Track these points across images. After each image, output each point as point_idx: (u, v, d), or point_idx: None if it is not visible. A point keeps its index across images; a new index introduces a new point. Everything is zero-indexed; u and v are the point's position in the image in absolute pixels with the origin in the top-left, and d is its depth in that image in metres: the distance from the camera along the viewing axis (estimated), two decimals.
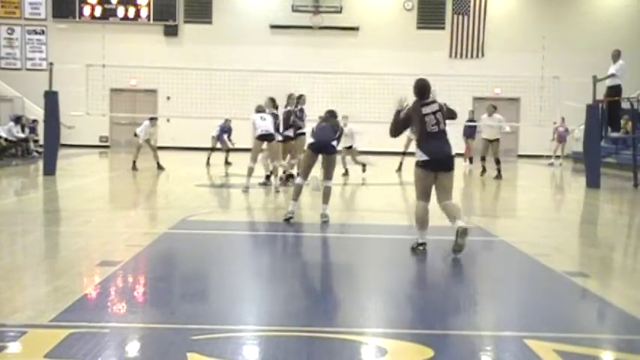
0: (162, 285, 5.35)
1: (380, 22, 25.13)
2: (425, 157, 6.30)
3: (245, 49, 23.93)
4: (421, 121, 6.36)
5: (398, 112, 6.62)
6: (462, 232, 6.09)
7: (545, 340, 3.91)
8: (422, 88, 6.47)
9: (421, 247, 6.45)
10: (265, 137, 11.55)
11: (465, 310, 4.85)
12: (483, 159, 16.27)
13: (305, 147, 9.03)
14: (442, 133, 6.38)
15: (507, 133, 18.42)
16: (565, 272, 5.81)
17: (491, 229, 8.28)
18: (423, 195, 6.40)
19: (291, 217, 8.28)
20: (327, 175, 8.49)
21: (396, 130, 6.66)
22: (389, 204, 11.51)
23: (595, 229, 9.29)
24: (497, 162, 15.58)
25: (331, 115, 8.77)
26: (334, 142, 8.33)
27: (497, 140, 15.98)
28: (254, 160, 11.64)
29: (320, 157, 8.46)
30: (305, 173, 8.45)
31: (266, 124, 11.52)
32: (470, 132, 18.72)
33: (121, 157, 22.06)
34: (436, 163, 6.30)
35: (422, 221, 6.43)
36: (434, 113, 6.37)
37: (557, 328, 4.27)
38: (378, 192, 13.05)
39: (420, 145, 6.39)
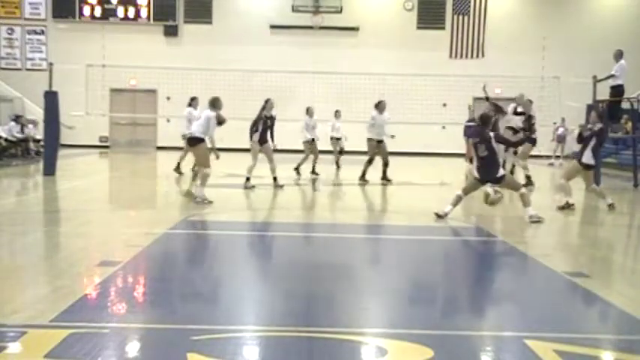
0: (162, 285, 5.34)
1: (380, 22, 25.13)
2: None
3: (245, 49, 23.91)
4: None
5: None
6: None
7: (545, 340, 3.91)
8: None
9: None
10: (189, 140, 10.41)
11: (465, 310, 4.84)
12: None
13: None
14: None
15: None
16: (565, 272, 5.81)
17: (491, 229, 8.28)
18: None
19: (441, 216, 8.53)
20: (513, 188, 9.02)
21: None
22: (394, 205, 11.49)
23: (595, 229, 9.29)
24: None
25: (485, 124, 8.98)
26: (499, 173, 8.69)
27: None
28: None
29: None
30: (466, 192, 8.93)
31: (194, 126, 10.34)
32: (470, 132, 18.72)
33: (120, 158, 22.06)
34: None
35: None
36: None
37: (557, 328, 4.27)
38: (377, 191, 13.04)
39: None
